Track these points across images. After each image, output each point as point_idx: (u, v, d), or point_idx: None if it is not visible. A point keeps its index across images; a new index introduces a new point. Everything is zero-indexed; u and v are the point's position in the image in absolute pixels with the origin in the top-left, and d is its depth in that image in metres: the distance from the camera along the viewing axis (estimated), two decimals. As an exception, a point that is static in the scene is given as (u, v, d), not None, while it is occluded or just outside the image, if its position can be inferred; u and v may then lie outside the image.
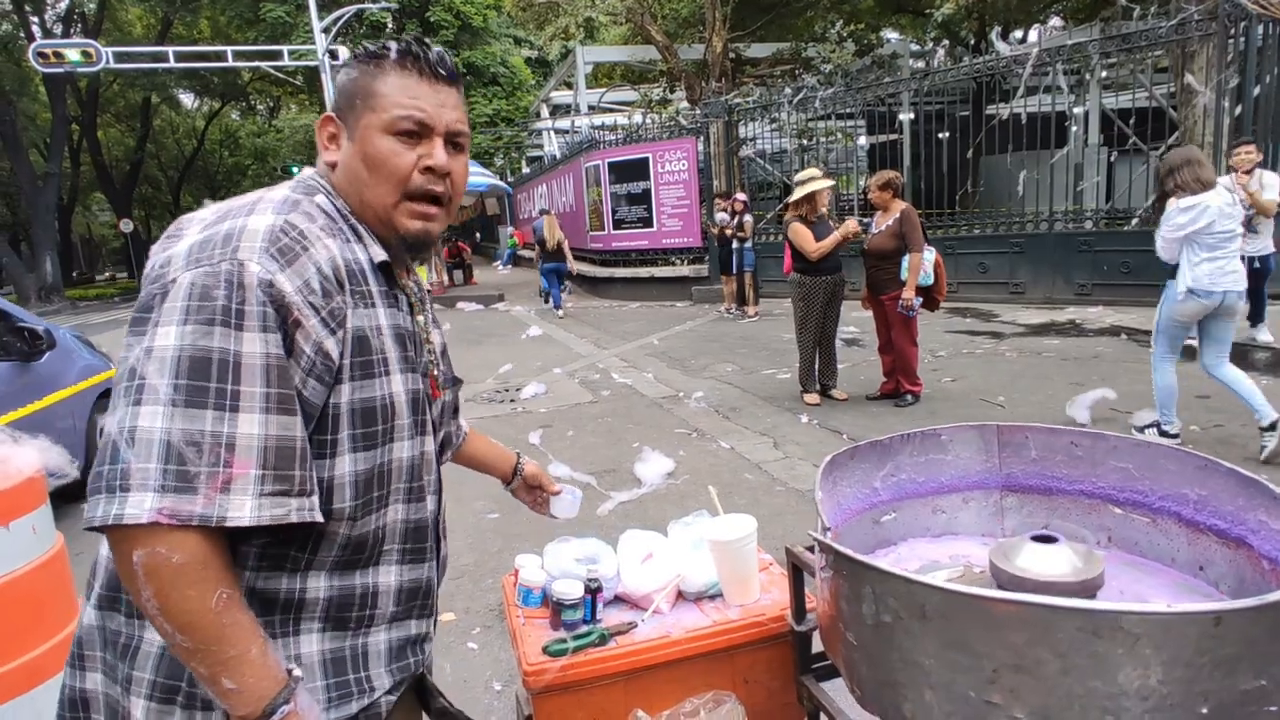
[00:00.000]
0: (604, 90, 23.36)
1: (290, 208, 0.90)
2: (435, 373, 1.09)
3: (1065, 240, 9.43)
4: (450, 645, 2.76)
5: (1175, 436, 4.30)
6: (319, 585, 0.91)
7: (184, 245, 0.84)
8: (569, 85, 23.21)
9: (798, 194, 5.69)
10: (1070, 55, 9.35)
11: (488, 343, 9.93)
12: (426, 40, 1.01)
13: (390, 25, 25.03)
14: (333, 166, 1.00)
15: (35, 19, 28.31)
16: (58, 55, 16.12)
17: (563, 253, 12.32)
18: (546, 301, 12.75)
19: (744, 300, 10.55)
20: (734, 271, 10.46)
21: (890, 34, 22.97)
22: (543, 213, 14.22)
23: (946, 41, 20.69)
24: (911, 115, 11.86)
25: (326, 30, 17.55)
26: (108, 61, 16.83)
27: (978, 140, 10.98)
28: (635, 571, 1.70)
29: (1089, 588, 1.06)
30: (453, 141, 1.01)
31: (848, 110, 12.53)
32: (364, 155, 0.97)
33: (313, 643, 0.92)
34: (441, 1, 24.61)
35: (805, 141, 13.41)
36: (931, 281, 5.58)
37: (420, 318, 1.08)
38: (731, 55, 16.63)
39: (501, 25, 27.42)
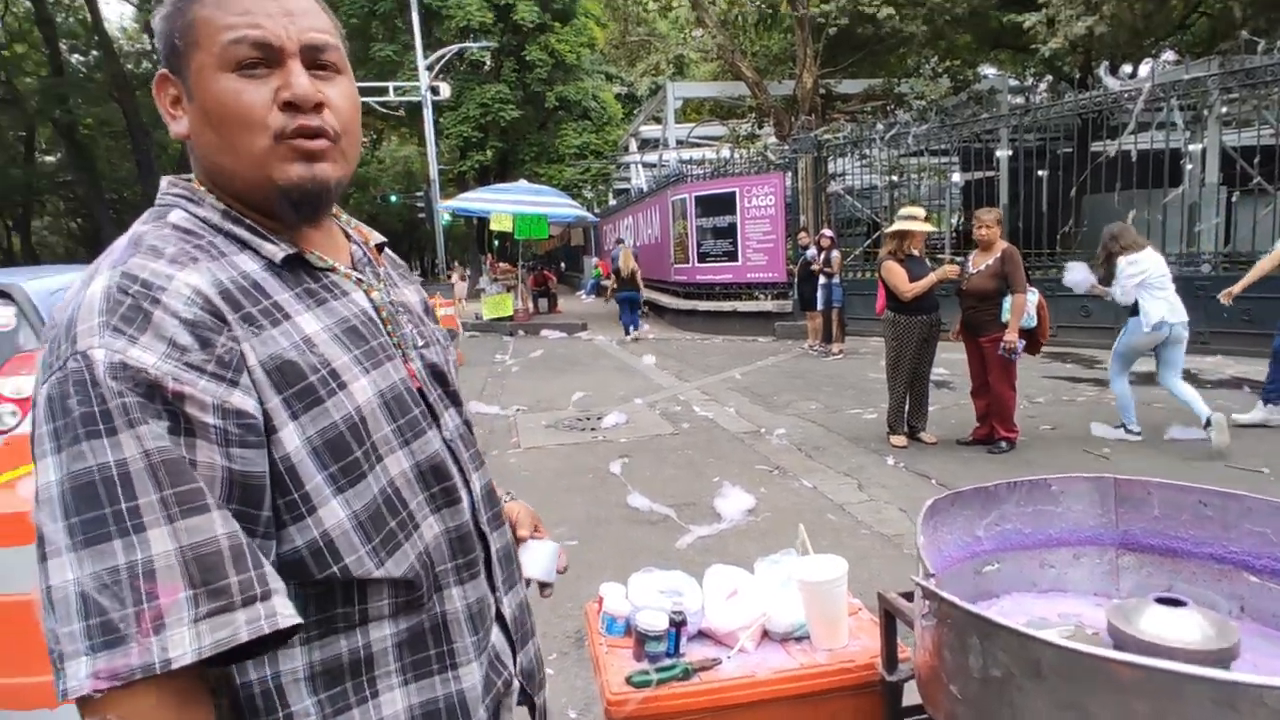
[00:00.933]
0: (693, 125, 23.67)
1: (131, 251, 0.71)
2: (412, 354, 0.86)
3: (1179, 285, 8.81)
4: (527, 669, 2.78)
5: (1138, 434, 5.44)
6: (384, 635, 0.78)
7: (46, 347, 0.68)
8: (658, 120, 23.63)
9: (893, 227, 5.60)
10: (1186, 90, 8.91)
11: (570, 371, 10.09)
12: None
13: (489, 63, 26.21)
14: (187, 140, 0.80)
15: (174, 59, 31.04)
16: (192, 92, 17.53)
17: (637, 282, 13.16)
18: (627, 333, 13.05)
19: (830, 337, 10.38)
20: (819, 308, 10.32)
21: (988, 69, 22.46)
22: (618, 243, 15.01)
23: (1049, 77, 20.06)
24: (1009, 151, 11.52)
25: (430, 68, 18.49)
26: (234, 97, 18.16)
27: (1082, 178, 10.55)
28: (720, 607, 1.68)
29: (1222, 659, 0.98)
30: (318, 61, 0.77)
31: (941, 147, 12.28)
32: (205, 110, 0.75)
33: (396, 700, 0.79)
34: (538, 40, 25.63)
35: (896, 178, 13.21)
36: (1035, 324, 5.36)
37: (375, 294, 0.86)
38: (822, 91, 16.58)
39: (594, 62, 28.29)
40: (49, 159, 34.99)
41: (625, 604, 1.72)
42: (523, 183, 17.67)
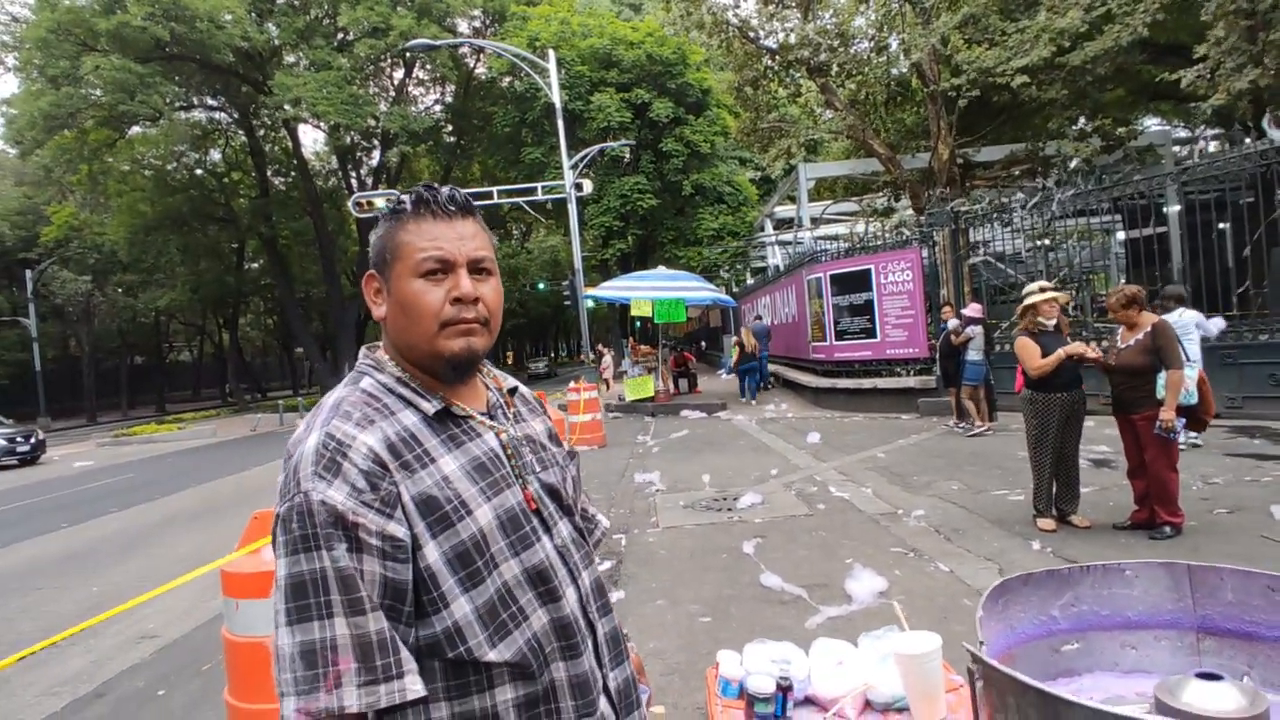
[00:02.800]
0: (827, 203, 23.86)
1: (333, 413, 1.00)
2: (530, 479, 1.12)
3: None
4: (661, 737, 2.97)
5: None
6: (507, 697, 1.00)
7: (283, 477, 0.98)
8: (792, 199, 24.02)
9: (1024, 304, 5.53)
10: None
11: (708, 451, 10.31)
12: (435, 185, 1.10)
13: (627, 156, 27.92)
14: (384, 321, 1.10)
15: (354, 174, 35.48)
16: (370, 203, 19.92)
17: (755, 355, 15.95)
18: (750, 398, 15.52)
19: (962, 414, 10.01)
20: (968, 381, 9.98)
21: (1149, 121, 21.17)
22: (757, 318, 16.86)
23: (1218, 129, 18.67)
24: (1179, 206, 10.77)
25: (574, 167, 20.01)
26: (405, 206, 20.45)
27: (1257, 234, 9.73)
28: (825, 675, 1.86)
29: (1256, 727, 1.07)
30: (477, 268, 1.08)
31: (1094, 207, 11.70)
32: (400, 301, 1.06)
33: None
34: (673, 133, 27.07)
35: (1047, 241, 12.65)
36: (1195, 400, 5.06)
37: (503, 434, 1.12)
38: (959, 160, 16.32)
39: (727, 149, 29.35)
40: (253, 266, 40.46)
41: (739, 669, 1.94)
42: (661, 269, 18.46)
